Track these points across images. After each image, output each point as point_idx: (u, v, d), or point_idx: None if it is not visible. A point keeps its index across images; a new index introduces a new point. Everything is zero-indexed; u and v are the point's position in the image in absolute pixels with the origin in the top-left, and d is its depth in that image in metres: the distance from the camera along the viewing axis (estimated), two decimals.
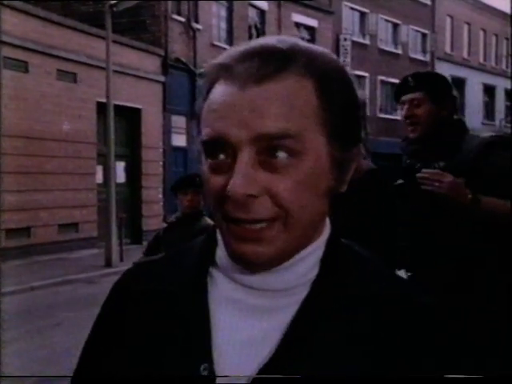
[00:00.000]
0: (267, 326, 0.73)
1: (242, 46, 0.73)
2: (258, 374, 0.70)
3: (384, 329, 0.71)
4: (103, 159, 12.95)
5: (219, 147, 0.70)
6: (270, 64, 0.69)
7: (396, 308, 0.73)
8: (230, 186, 0.67)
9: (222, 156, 0.70)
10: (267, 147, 0.68)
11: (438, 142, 2.30)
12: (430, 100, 2.31)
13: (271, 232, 0.69)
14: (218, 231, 0.78)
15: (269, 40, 0.73)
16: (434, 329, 0.73)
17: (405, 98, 2.37)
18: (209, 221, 4.12)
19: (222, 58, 0.73)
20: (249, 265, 0.72)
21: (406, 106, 2.36)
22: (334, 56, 0.75)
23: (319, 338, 0.71)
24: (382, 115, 25.36)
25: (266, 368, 0.70)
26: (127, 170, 15.28)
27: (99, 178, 13.86)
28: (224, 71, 0.71)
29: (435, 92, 2.33)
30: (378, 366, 0.70)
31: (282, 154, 0.68)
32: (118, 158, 13.59)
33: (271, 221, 0.69)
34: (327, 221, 0.78)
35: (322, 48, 0.75)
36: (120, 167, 14.59)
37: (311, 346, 0.70)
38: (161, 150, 16.16)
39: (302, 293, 0.73)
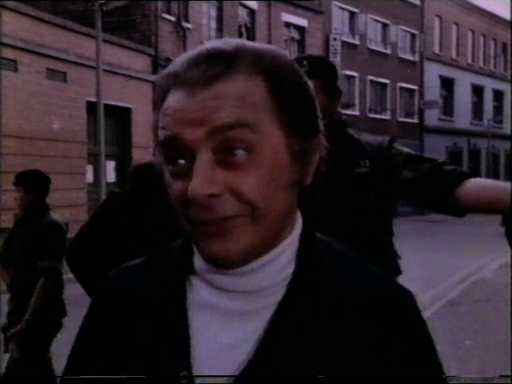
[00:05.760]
0: (245, 329, 0.72)
1: (190, 53, 0.73)
2: (236, 378, 0.70)
3: (362, 325, 0.72)
4: (93, 158, 12.93)
5: (177, 152, 0.69)
6: (216, 66, 0.69)
7: (372, 303, 0.73)
8: (191, 189, 0.66)
9: (180, 161, 0.69)
10: (224, 143, 0.67)
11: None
12: (322, 90, 1.93)
13: (237, 227, 0.68)
14: None
15: (214, 43, 0.73)
16: (410, 322, 0.74)
17: None
18: (54, 216, 3.88)
19: (171, 67, 0.73)
20: (219, 263, 0.71)
21: None
22: (282, 52, 0.75)
23: (297, 340, 0.71)
24: (372, 115, 25.46)
25: (244, 372, 0.70)
26: (117, 169, 15.23)
27: (89, 177, 13.82)
28: (173, 80, 0.71)
29: (328, 82, 2.01)
30: (357, 363, 0.70)
31: (239, 152, 0.68)
32: (109, 157, 13.56)
33: (237, 217, 0.68)
34: (299, 216, 0.77)
35: (268, 45, 0.75)
36: (110, 166, 14.56)
37: (290, 347, 0.71)
38: (151, 150, 16.10)
39: (279, 293, 0.73)
